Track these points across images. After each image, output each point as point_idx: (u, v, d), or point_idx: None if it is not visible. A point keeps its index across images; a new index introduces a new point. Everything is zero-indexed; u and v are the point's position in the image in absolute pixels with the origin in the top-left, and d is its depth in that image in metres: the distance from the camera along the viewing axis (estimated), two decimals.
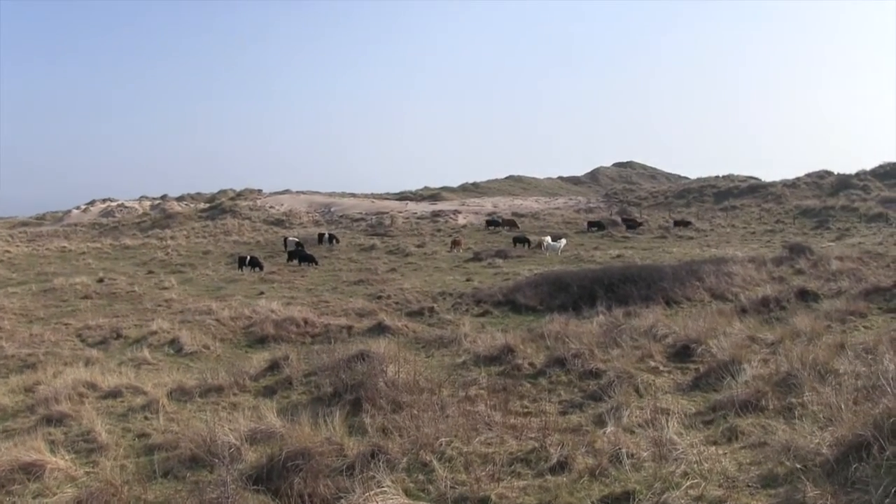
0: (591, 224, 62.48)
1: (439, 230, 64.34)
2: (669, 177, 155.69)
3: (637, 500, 7.38)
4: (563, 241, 47.17)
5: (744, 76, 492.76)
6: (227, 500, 8.07)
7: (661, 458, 8.23)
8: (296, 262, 43.21)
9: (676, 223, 61.96)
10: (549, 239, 47.59)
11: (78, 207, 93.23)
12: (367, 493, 7.81)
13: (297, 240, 52.11)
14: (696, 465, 7.85)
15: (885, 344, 12.29)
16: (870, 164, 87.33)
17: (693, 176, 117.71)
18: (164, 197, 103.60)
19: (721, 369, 11.96)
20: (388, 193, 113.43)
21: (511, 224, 64.28)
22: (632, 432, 9.36)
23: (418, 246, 51.53)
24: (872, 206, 62.48)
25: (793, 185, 77.87)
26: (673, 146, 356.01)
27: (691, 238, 53.61)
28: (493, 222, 65.53)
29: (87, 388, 14.30)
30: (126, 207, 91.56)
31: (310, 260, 42.66)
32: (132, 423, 12.17)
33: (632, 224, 61.27)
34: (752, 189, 79.59)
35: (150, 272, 40.86)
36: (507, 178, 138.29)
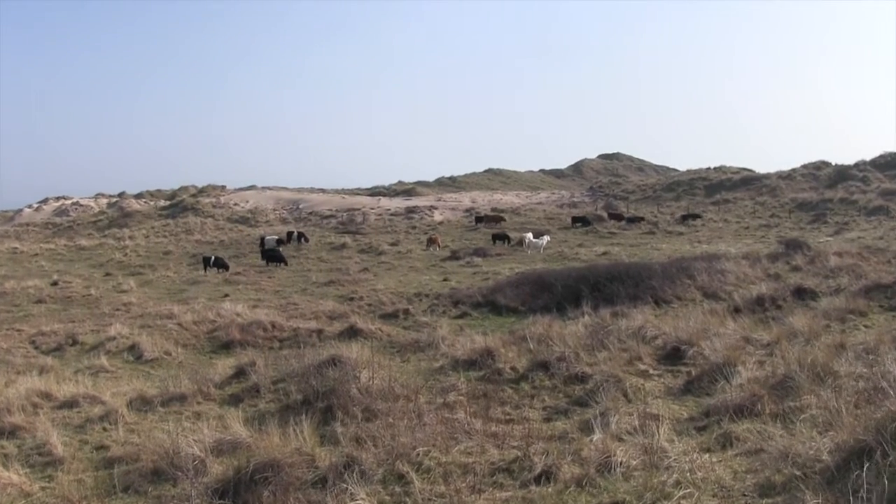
0: (575, 219, 62.62)
1: (414, 227, 64.46)
2: (658, 169, 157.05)
3: None
4: (546, 237, 47.20)
5: (737, 63, 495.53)
6: None
7: (651, 466, 8.24)
8: (279, 263, 42.85)
9: (685, 217, 62.23)
10: (530, 236, 47.61)
11: (30, 206, 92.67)
12: None
13: (277, 237, 52.00)
14: (688, 474, 7.86)
15: (887, 344, 12.38)
16: (869, 154, 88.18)
17: (683, 168, 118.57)
18: (121, 194, 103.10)
19: (714, 372, 11.99)
20: (359, 189, 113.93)
21: (498, 220, 64.39)
22: (620, 440, 9.35)
23: (392, 244, 51.48)
24: (872, 198, 63.01)
25: (788, 176, 78.56)
26: (662, 137, 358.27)
27: (681, 234, 53.86)
28: (480, 218, 65.63)
29: (41, 398, 14.14)
30: (81, 206, 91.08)
31: (279, 260, 42.49)
32: (90, 435, 12.06)
33: (632, 219, 61.37)
34: (746, 181, 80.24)
35: (108, 274, 40.55)
36: (485, 171, 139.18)
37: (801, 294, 21.60)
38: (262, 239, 52.13)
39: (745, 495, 7.41)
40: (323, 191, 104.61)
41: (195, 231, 65.72)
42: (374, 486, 8.49)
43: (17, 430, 12.18)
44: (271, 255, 43.45)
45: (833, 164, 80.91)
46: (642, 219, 62.11)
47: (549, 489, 8.15)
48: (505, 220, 64.42)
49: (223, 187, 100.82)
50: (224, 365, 16.94)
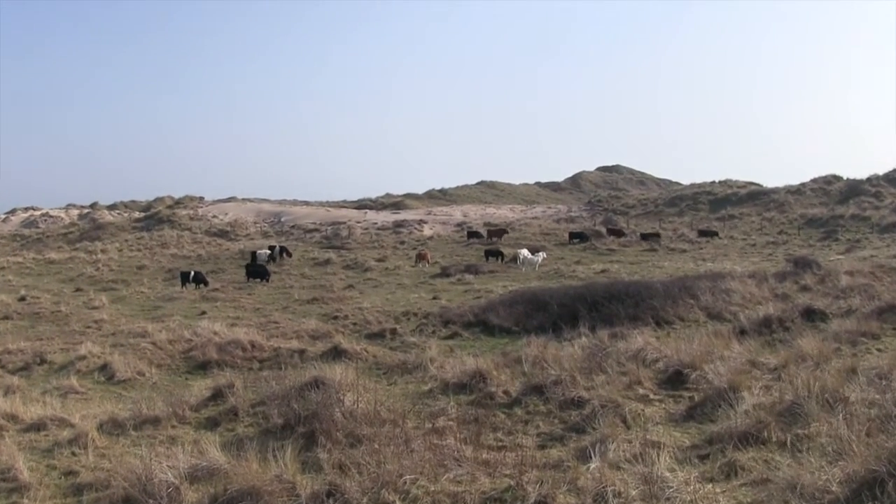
0: (572, 235, 62.69)
1: (403, 242, 64.49)
2: (660, 182, 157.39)
3: None
4: (542, 254, 47.28)
5: (743, 72, 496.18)
6: None
7: (651, 496, 8.22)
8: (262, 279, 42.78)
9: (701, 233, 62.22)
10: (525, 252, 47.64)
11: None
12: None
13: (269, 252, 51.86)
14: None
15: None
16: (883, 168, 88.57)
17: (686, 181, 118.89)
18: (93, 205, 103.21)
19: (718, 397, 11.98)
20: (345, 201, 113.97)
21: (501, 233, 64.36)
22: (619, 468, 9.34)
23: (379, 260, 51.55)
24: (886, 214, 63.12)
25: (797, 191, 78.63)
26: (664, 149, 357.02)
27: (684, 251, 53.94)
28: (473, 233, 65.64)
29: (6, 420, 14.10)
30: (51, 217, 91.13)
31: (262, 276, 42.37)
32: (58, 460, 12.00)
33: (646, 236, 61.12)
34: (753, 196, 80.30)
35: (79, 289, 40.51)
36: (478, 183, 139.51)
37: (811, 315, 21.58)
38: (254, 253, 52.04)
39: None
40: (307, 203, 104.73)
41: (171, 244, 65.68)
42: None
43: None
44: (254, 271, 43.34)
45: (844, 178, 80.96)
46: (658, 235, 61.77)
47: None
48: (508, 233, 64.57)
49: (201, 199, 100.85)
50: (200, 386, 16.91)
